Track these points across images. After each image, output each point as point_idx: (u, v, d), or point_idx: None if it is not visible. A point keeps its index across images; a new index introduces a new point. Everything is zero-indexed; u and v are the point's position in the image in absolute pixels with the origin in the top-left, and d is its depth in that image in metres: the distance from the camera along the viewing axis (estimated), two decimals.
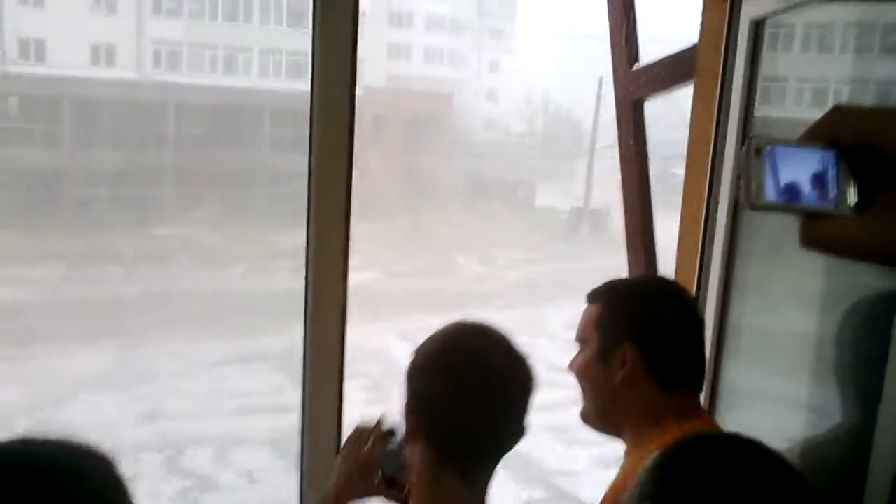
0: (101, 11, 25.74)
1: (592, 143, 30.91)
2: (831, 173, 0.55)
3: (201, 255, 19.72)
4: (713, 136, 1.92)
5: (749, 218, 1.87)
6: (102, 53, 25.58)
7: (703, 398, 1.96)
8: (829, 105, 0.57)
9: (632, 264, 3.15)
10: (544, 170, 35.36)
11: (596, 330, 1.41)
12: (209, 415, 11.38)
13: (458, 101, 37.53)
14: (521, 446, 1.22)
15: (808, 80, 1.95)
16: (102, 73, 24.82)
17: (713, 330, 1.98)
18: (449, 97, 36.63)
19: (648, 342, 1.37)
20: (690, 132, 2.07)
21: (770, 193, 0.54)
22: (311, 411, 1.82)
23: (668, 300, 1.43)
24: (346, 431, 1.48)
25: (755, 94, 1.82)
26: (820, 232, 0.55)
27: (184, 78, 26.24)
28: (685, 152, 2.12)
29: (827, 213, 0.55)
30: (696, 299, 1.49)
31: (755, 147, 0.55)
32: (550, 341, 16.60)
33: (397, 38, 36.75)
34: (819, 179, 0.55)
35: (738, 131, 1.82)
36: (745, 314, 1.98)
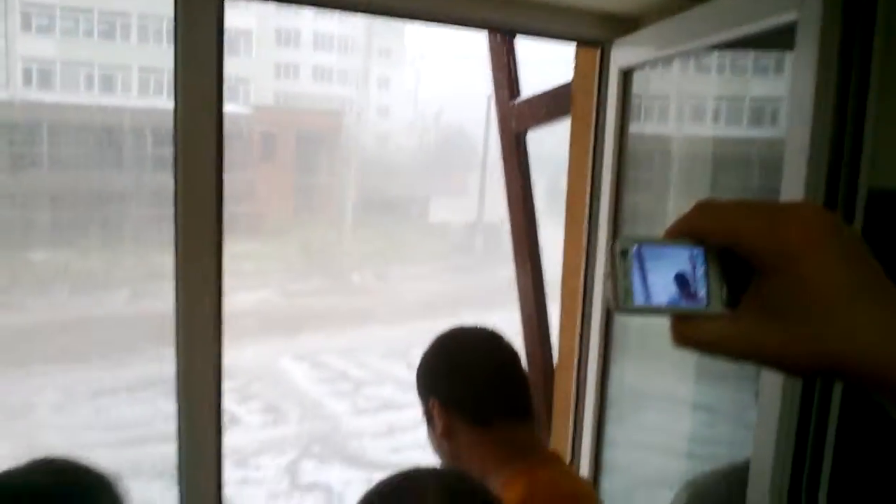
0: None
1: (484, 158, 31.31)
2: (700, 271, 0.53)
3: (82, 280, 18.80)
4: (590, 175, 1.96)
5: None
6: None
7: (588, 455, 2.01)
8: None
9: (519, 276, 3.27)
10: (438, 185, 35.56)
11: (418, 399, 1.48)
12: (92, 448, 10.79)
13: (348, 118, 37.34)
14: None
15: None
16: None
17: (595, 390, 2.03)
18: (339, 114, 36.38)
19: (446, 389, 1.41)
20: (569, 172, 2.13)
21: (639, 297, 0.52)
22: (187, 438, 1.74)
23: (463, 346, 1.47)
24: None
25: (627, 137, 1.89)
26: (691, 332, 0.53)
27: (57, 97, 24.98)
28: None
29: (698, 313, 0.53)
30: (499, 340, 1.47)
31: (621, 249, 0.53)
32: None
33: (285, 56, 36.23)
34: (688, 278, 0.53)
35: (612, 174, 1.87)
36: (625, 373, 2.03)
